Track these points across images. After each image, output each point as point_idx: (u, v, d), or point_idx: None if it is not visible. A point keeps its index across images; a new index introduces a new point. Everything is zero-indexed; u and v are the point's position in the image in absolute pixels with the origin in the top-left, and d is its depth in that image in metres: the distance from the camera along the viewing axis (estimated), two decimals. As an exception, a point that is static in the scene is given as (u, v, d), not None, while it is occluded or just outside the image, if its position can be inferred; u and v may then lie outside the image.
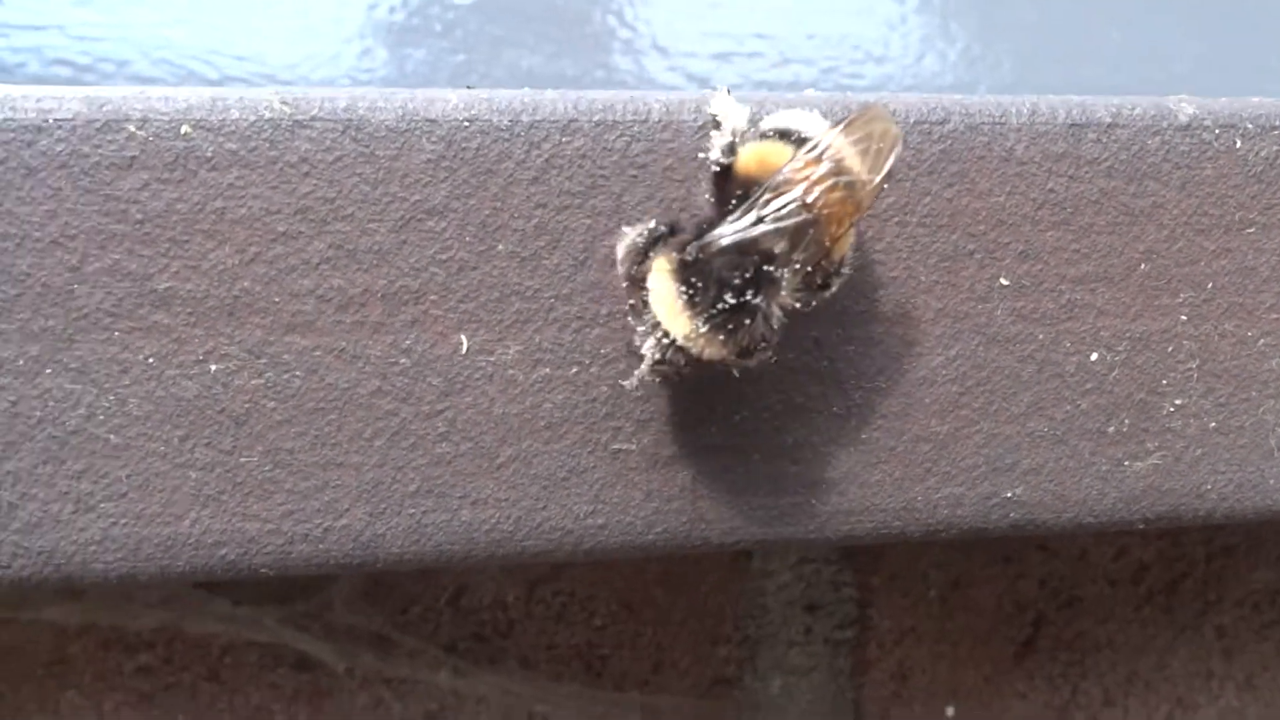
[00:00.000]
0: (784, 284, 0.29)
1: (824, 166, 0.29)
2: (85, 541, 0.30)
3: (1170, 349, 0.35)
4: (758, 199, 0.29)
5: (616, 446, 0.32)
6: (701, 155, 0.31)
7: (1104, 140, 0.33)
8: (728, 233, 0.29)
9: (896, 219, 0.33)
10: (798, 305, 0.30)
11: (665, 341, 0.29)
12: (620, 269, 0.31)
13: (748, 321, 0.29)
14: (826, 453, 0.33)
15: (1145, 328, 0.34)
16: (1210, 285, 0.35)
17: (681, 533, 0.33)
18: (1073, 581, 0.52)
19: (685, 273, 0.29)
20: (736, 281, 0.29)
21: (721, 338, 0.29)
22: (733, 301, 0.29)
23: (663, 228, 0.30)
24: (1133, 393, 0.35)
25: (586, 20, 0.71)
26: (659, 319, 0.29)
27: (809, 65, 0.74)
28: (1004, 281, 0.34)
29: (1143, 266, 0.34)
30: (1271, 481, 0.36)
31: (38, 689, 0.44)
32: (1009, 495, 0.35)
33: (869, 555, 0.50)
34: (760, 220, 0.29)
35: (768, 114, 0.31)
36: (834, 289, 0.31)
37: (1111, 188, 0.34)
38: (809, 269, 0.29)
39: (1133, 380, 0.35)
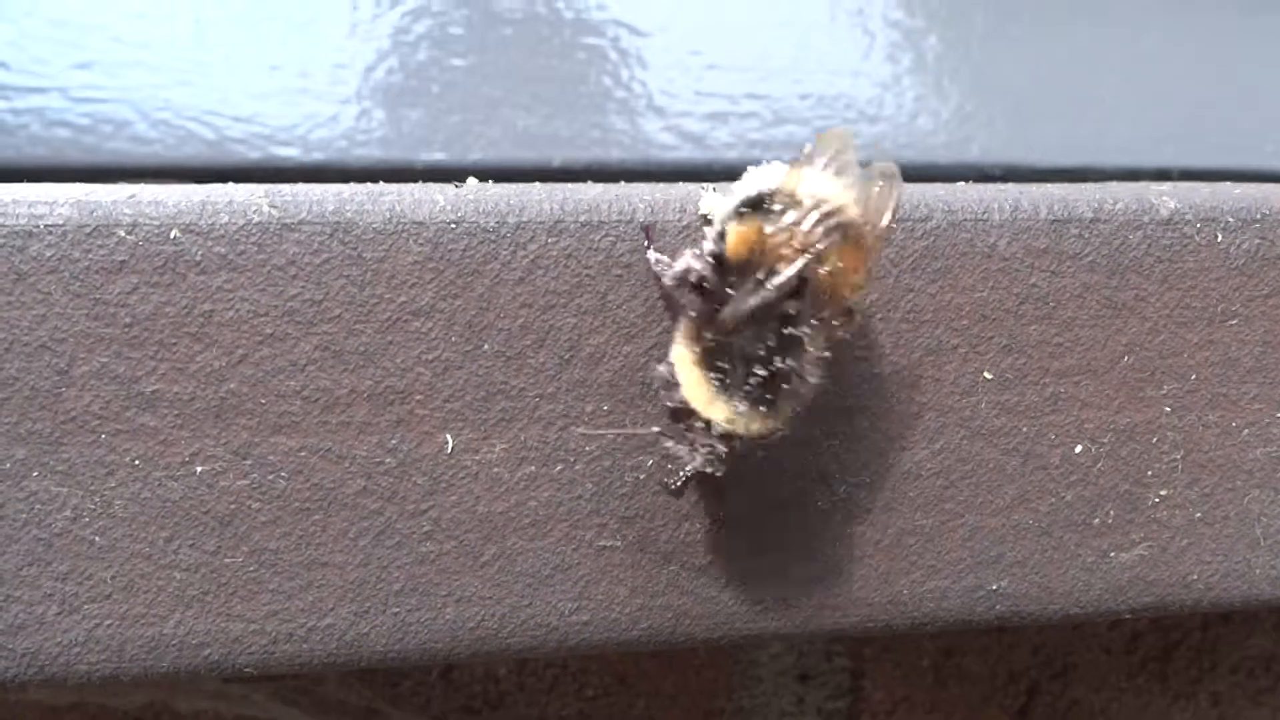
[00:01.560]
0: (808, 340, 0.29)
1: (801, 209, 0.29)
2: (69, 643, 0.30)
3: (1154, 440, 0.35)
4: (755, 268, 0.29)
5: (601, 543, 0.32)
6: (697, 254, 0.31)
7: (1086, 235, 0.34)
8: (736, 307, 0.29)
9: (880, 315, 0.33)
10: (829, 355, 0.30)
11: (709, 431, 0.29)
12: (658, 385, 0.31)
13: (784, 387, 0.29)
14: (811, 548, 0.34)
15: (1129, 419, 0.35)
16: (1194, 376, 0.35)
17: (666, 629, 0.33)
18: (1066, 649, 0.52)
19: (709, 359, 0.29)
20: (761, 353, 0.29)
21: (763, 410, 0.29)
22: (763, 374, 0.29)
23: (689, 266, 0.30)
24: (1117, 484, 0.35)
25: (582, 81, 0.72)
26: (696, 410, 0.29)
27: (803, 125, 0.75)
28: (988, 375, 0.34)
29: (1126, 359, 0.34)
30: (1258, 571, 0.36)
31: (25, 767, 0.44)
32: (994, 588, 0.35)
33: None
34: (760, 284, 0.29)
35: (734, 187, 0.31)
36: (858, 321, 0.31)
37: (1094, 282, 0.34)
38: (832, 321, 0.29)
39: (1117, 472, 0.35)
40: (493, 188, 0.32)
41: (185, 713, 0.45)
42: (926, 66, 0.75)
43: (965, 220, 0.33)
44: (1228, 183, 0.35)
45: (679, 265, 0.30)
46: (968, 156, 0.76)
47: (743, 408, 0.29)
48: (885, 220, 0.30)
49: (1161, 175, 0.74)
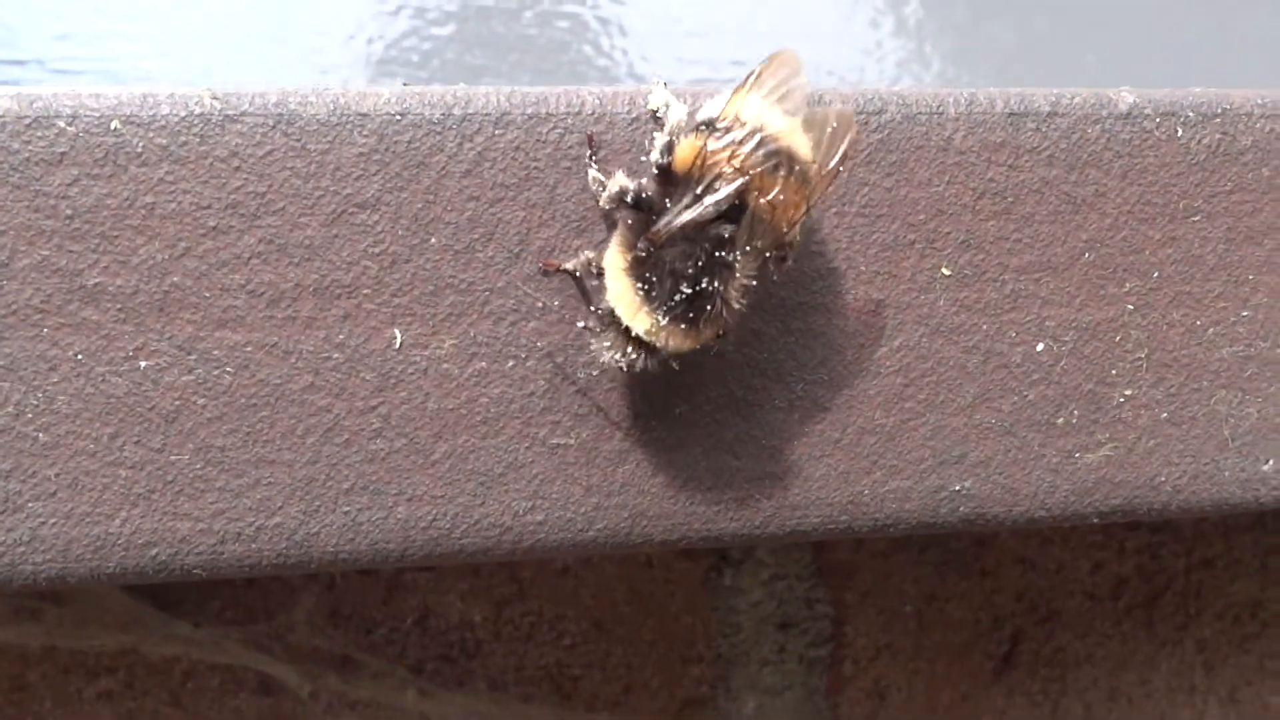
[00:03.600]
0: (738, 268, 0.29)
1: (743, 130, 0.29)
2: (13, 542, 0.30)
3: (1118, 339, 0.34)
4: (692, 184, 0.29)
5: (555, 441, 0.32)
6: (643, 159, 0.31)
7: (1043, 129, 0.33)
8: (671, 218, 0.29)
9: (834, 209, 0.33)
10: (754, 284, 0.29)
11: (623, 330, 0.29)
12: (571, 270, 0.31)
13: (708, 308, 0.29)
14: (769, 446, 0.33)
15: (1091, 317, 0.34)
16: (1156, 274, 0.34)
17: (623, 529, 0.33)
18: (1050, 595, 0.52)
19: (639, 269, 0.29)
20: (690, 271, 0.29)
21: (684, 327, 0.29)
22: (689, 291, 0.29)
23: (624, 185, 0.30)
24: (1081, 383, 0.34)
25: (564, 49, 0.72)
26: (619, 316, 0.29)
27: (784, 90, 0.75)
28: (945, 271, 0.33)
29: (1086, 255, 0.34)
30: (1226, 473, 0.35)
31: (-2, 716, 0.44)
32: (958, 488, 0.34)
33: (843, 571, 0.49)
34: (698, 199, 0.29)
35: (703, 103, 0.31)
36: (789, 263, 0.30)
37: (1052, 176, 0.33)
38: (766, 253, 0.29)
39: (1080, 371, 0.34)
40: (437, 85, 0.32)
41: (156, 659, 0.45)
42: (908, 31, 0.75)
43: (920, 114, 0.33)
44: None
45: (612, 186, 0.30)
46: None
47: (664, 321, 0.29)
48: (833, 163, 0.30)
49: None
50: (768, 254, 0.30)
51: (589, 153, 0.31)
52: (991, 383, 0.34)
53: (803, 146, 0.29)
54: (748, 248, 0.29)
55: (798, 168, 0.29)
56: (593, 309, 0.31)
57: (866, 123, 0.33)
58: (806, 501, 0.33)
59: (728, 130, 0.29)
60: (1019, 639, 0.51)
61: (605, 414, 0.32)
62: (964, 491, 0.34)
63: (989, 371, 0.34)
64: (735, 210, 0.29)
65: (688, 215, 0.29)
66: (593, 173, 0.31)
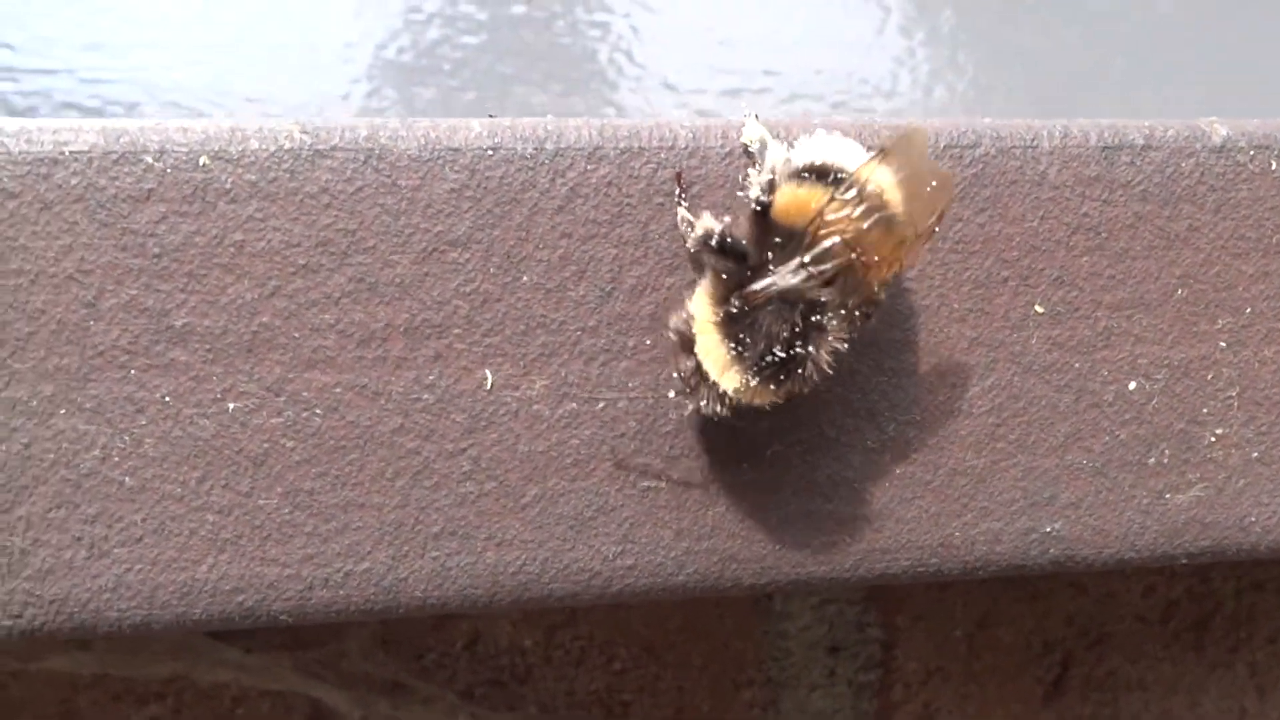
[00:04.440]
0: (831, 331, 0.29)
1: (863, 207, 0.28)
2: (99, 589, 0.29)
3: (1210, 376, 0.34)
4: (799, 244, 0.28)
5: (645, 484, 0.31)
6: (740, 194, 0.30)
7: (1137, 163, 0.33)
8: (772, 284, 0.28)
9: (928, 246, 0.32)
10: (845, 347, 0.29)
11: (717, 394, 0.29)
12: (670, 331, 0.30)
13: (800, 371, 0.29)
14: (860, 488, 0.33)
15: (1184, 355, 0.34)
16: (1249, 310, 0.34)
17: (713, 574, 0.32)
18: (1101, 619, 0.51)
19: (731, 327, 0.29)
20: (785, 335, 0.28)
21: (772, 387, 0.29)
22: (782, 355, 0.28)
23: (710, 229, 0.29)
24: (1172, 422, 0.34)
25: (595, 58, 0.71)
26: (708, 372, 0.29)
27: (818, 100, 0.74)
28: (1039, 309, 0.33)
29: (1180, 292, 0.33)
30: (1317, 512, 0.35)
31: (45, 744, 0.43)
32: (1048, 530, 0.34)
33: (893, 595, 0.49)
34: (804, 266, 0.28)
35: (800, 143, 0.31)
36: (872, 321, 0.30)
37: (1146, 211, 0.33)
38: (852, 305, 0.29)
39: (1172, 409, 0.34)
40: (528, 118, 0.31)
41: (207, 685, 0.44)
42: (941, 39, 0.75)
43: (1014, 147, 0.32)
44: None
45: (699, 228, 0.29)
46: (985, 131, 0.75)
47: (754, 382, 0.29)
48: (930, 223, 0.29)
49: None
50: (857, 313, 0.30)
51: (678, 191, 0.31)
52: (1083, 422, 0.33)
53: (905, 211, 0.29)
54: (842, 310, 0.29)
55: (895, 229, 0.29)
56: (683, 360, 0.30)
57: (961, 156, 0.32)
58: (897, 545, 0.33)
59: (848, 203, 0.28)
60: (1069, 663, 0.51)
61: (696, 455, 0.32)
62: (1054, 533, 0.34)
63: (1081, 411, 0.33)
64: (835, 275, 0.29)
65: (792, 282, 0.28)
66: (682, 212, 0.30)
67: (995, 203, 0.32)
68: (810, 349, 0.28)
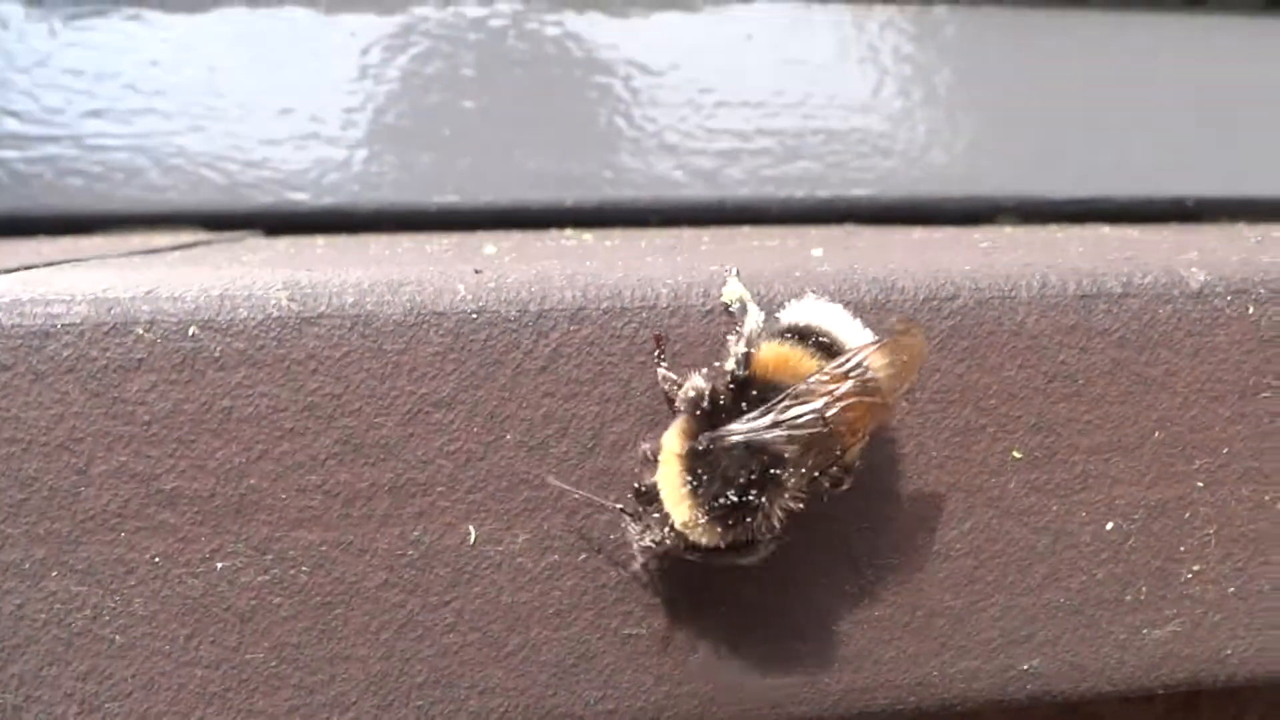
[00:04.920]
0: (788, 487, 0.29)
1: (848, 385, 0.29)
2: (90, 743, 0.30)
3: (1187, 515, 0.34)
4: (777, 403, 0.29)
5: (627, 631, 0.32)
6: (717, 364, 0.31)
7: (1115, 310, 0.33)
8: (740, 430, 0.29)
9: (907, 396, 0.33)
10: (800, 507, 0.30)
11: (666, 524, 0.30)
12: (640, 453, 0.31)
13: (748, 520, 0.29)
14: (838, 631, 0.33)
15: (1161, 495, 0.34)
16: (1225, 450, 0.34)
17: (693, 716, 0.33)
18: (1088, 699, 0.51)
19: (693, 462, 0.29)
20: (741, 480, 0.29)
21: (719, 529, 0.29)
22: (735, 499, 0.29)
23: (700, 389, 0.30)
24: (1149, 560, 0.34)
25: (592, 122, 0.71)
26: (663, 500, 0.29)
27: (816, 160, 0.75)
28: (1017, 454, 0.33)
29: (1157, 434, 0.34)
30: (1293, 645, 0.35)
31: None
32: (1026, 667, 0.34)
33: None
34: (776, 425, 0.29)
35: (788, 306, 0.31)
36: (844, 487, 0.31)
37: (1124, 357, 0.33)
38: (819, 472, 0.29)
39: (1149, 548, 0.34)
40: (513, 274, 0.31)
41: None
42: (938, 100, 0.75)
43: (992, 298, 0.33)
44: (1260, 257, 0.35)
45: (689, 389, 0.30)
46: (981, 190, 0.75)
47: (703, 519, 0.29)
48: (899, 394, 0.30)
49: (1177, 204, 0.73)
50: (819, 473, 0.30)
51: (657, 353, 0.31)
52: (1061, 562, 0.34)
53: (885, 387, 0.29)
54: (803, 469, 0.29)
55: (873, 403, 0.29)
56: (636, 485, 0.31)
57: (939, 309, 0.33)
58: (875, 684, 0.33)
59: (835, 379, 0.29)
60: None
61: (676, 602, 0.32)
62: (1032, 670, 0.34)
63: (1058, 551, 0.34)
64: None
65: (763, 435, 0.29)
66: (661, 371, 0.31)
67: (973, 353, 0.33)
68: (764, 500, 0.29)
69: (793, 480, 0.29)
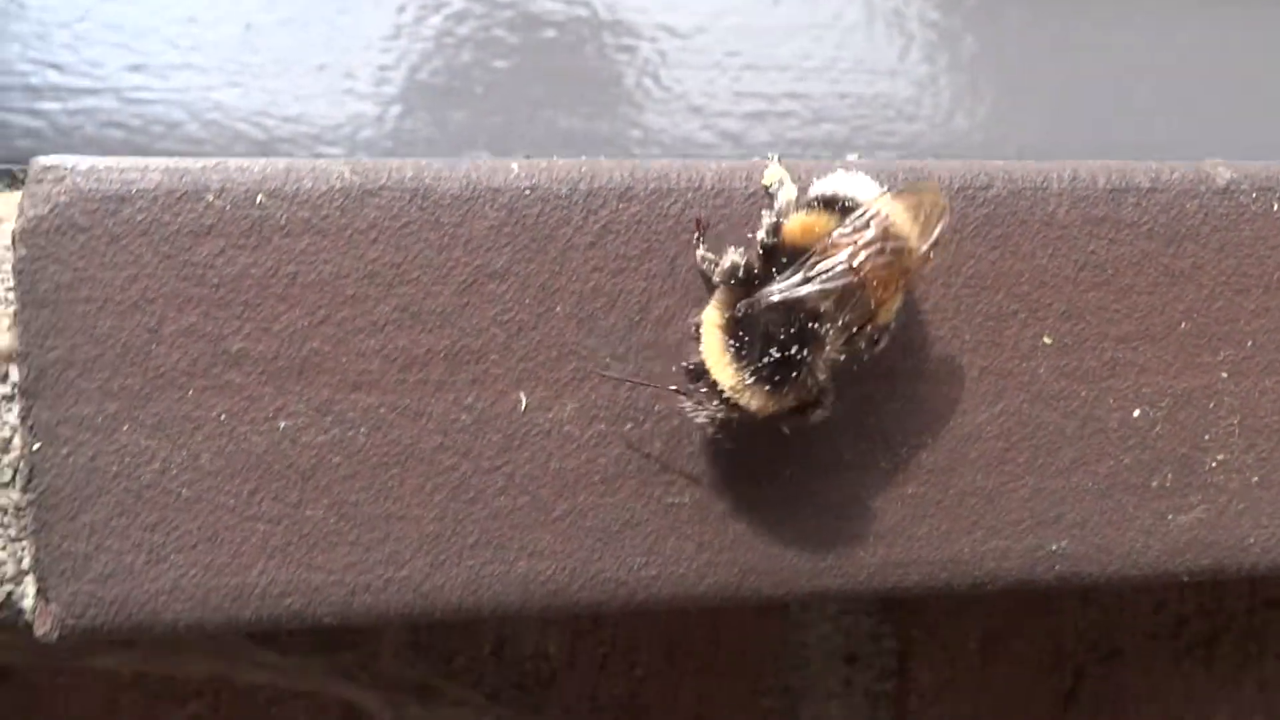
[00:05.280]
0: (828, 340, 0.30)
1: (870, 232, 0.30)
2: (156, 591, 0.31)
3: (1211, 405, 0.35)
4: (805, 261, 0.30)
5: (670, 500, 0.33)
6: (750, 235, 0.32)
7: (1143, 204, 0.34)
8: (775, 291, 0.30)
9: (942, 280, 0.34)
10: (843, 359, 0.31)
11: (711, 385, 0.31)
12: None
13: (794, 375, 0.30)
14: (873, 507, 0.34)
15: (1187, 385, 0.35)
16: (1250, 343, 0.35)
17: (732, 584, 0.34)
18: (1112, 634, 0.52)
19: (734, 327, 0.30)
20: (781, 337, 0.30)
21: (768, 389, 0.30)
22: (778, 355, 0.30)
23: (734, 262, 0.31)
24: (1175, 448, 0.35)
25: (621, 82, 0.73)
26: (708, 369, 0.31)
27: (841, 124, 0.76)
28: (1047, 340, 0.34)
29: (1183, 325, 0.35)
30: (1314, 536, 0.36)
31: (88, 740, 0.45)
32: (1054, 548, 0.35)
33: (908, 607, 0.50)
34: (808, 280, 0.30)
35: (815, 179, 0.32)
36: (881, 346, 0.32)
37: (1151, 250, 0.35)
38: (855, 329, 0.31)
39: (1175, 436, 0.35)
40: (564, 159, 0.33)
41: (244, 686, 0.46)
42: (963, 66, 0.76)
43: (1025, 188, 0.34)
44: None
45: (725, 263, 0.31)
46: (1004, 155, 0.76)
47: (749, 380, 0.30)
48: (925, 247, 0.31)
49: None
50: (856, 329, 0.31)
51: (696, 235, 0.32)
52: (1089, 447, 0.35)
53: (912, 238, 0.31)
54: (840, 322, 0.30)
55: (900, 256, 0.31)
56: (684, 364, 0.32)
57: (974, 197, 0.34)
58: (908, 560, 0.34)
59: (857, 228, 0.30)
60: (1081, 676, 0.52)
61: (718, 475, 0.33)
62: (1060, 551, 0.35)
63: (1087, 436, 0.35)
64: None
65: (796, 291, 0.30)
66: (700, 252, 0.32)
67: (1006, 241, 0.34)
68: (807, 354, 0.30)
69: (831, 334, 0.30)
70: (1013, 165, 0.34)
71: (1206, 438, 0.35)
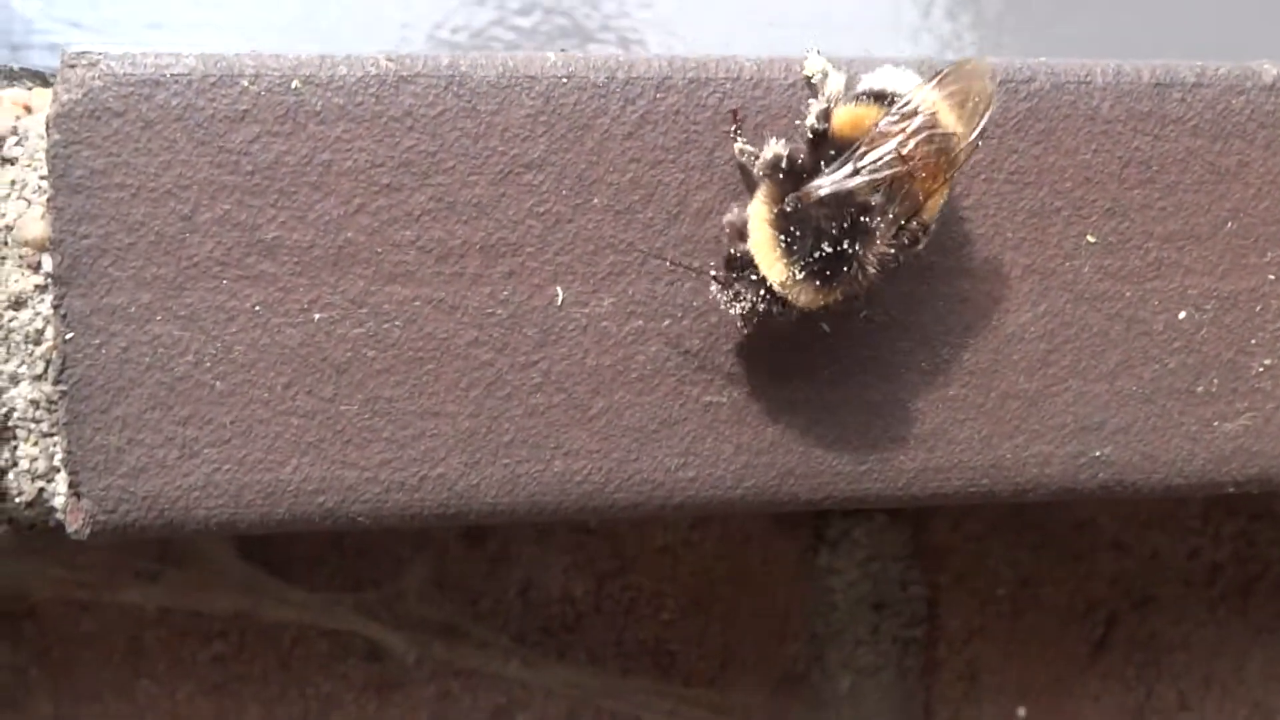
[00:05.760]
0: (879, 234, 0.30)
1: (918, 120, 0.29)
2: (189, 487, 0.31)
3: (1259, 308, 0.35)
4: (854, 152, 0.30)
5: (707, 399, 0.33)
6: (798, 123, 0.32)
7: (1188, 99, 0.34)
8: (825, 183, 0.30)
9: (984, 176, 0.33)
10: (892, 254, 0.30)
11: (756, 281, 0.30)
12: (725, 226, 0.31)
13: (845, 269, 0.30)
14: (913, 409, 0.34)
15: (1233, 286, 0.34)
16: (1298, 245, 0.35)
17: (770, 487, 0.33)
18: (1145, 580, 0.51)
19: (784, 221, 0.30)
20: (834, 231, 0.29)
21: (818, 283, 0.30)
22: (829, 250, 0.29)
23: (778, 153, 0.31)
24: (1221, 352, 0.35)
25: (644, 42, 0.72)
26: (758, 265, 0.30)
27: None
28: (1091, 239, 0.34)
29: (1229, 225, 0.34)
30: (1364, 445, 0.36)
31: (114, 676, 0.44)
32: (1097, 454, 0.34)
33: (938, 553, 0.49)
34: (857, 172, 0.30)
35: (863, 75, 0.32)
36: (922, 245, 0.31)
37: (1197, 146, 0.34)
38: (903, 222, 0.30)
39: (1221, 339, 0.35)
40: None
41: (268, 624, 0.45)
42: (987, 23, 0.75)
43: (1068, 83, 0.33)
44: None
45: (767, 153, 0.31)
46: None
47: (800, 275, 0.30)
48: (973, 136, 0.31)
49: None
50: (902, 224, 0.31)
51: (734, 127, 0.32)
52: (1133, 350, 0.34)
53: (956, 130, 0.30)
54: (890, 215, 0.30)
55: (946, 144, 0.30)
56: (731, 252, 0.31)
57: (1016, 91, 0.33)
58: (949, 464, 0.34)
59: (904, 116, 0.29)
60: (1113, 624, 0.51)
61: (756, 374, 0.33)
62: (1103, 458, 0.34)
63: (1131, 339, 0.34)
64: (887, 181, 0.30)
65: (847, 183, 0.29)
66: (739, 145, 0.32)
67: (1049, 136, 0.33)
68: (857, 249, 0.29)
69: (881, 227, 0.30)
70: (1055, 61, 0.34)
71: (1253, 342, 0.35)
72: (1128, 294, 0.34)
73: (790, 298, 0.30)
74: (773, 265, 0.30)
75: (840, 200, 0.30)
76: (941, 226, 0.33)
